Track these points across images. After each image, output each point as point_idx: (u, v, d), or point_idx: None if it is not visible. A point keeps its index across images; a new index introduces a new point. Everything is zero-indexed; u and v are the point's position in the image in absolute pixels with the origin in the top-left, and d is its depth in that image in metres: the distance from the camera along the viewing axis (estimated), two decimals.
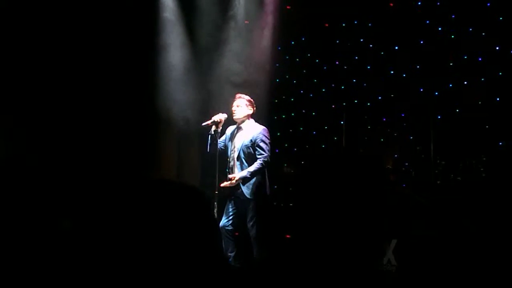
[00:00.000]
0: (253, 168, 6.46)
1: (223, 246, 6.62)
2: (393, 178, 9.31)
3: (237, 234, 6.69)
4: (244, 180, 6.45)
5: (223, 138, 6.74)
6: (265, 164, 6.47)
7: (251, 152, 6.51)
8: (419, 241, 7.15)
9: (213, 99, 8.66)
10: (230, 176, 6.50)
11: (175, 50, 9.22)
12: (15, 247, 2.58)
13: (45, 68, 8.23)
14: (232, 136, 6.70)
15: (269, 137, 6.58)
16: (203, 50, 9.34)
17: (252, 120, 6.71)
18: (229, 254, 6.59)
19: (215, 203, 6.43)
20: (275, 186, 9.86)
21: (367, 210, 8.47)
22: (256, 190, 6.51)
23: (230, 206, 6.62)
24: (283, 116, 10.52)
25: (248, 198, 6.50)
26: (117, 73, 8.75)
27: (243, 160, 6.54)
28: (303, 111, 10.49)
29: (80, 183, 8.20)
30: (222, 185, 6.47)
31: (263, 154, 6.47)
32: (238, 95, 6.73)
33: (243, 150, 6.56)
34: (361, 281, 7.10)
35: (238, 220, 6.58)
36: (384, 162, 9.60)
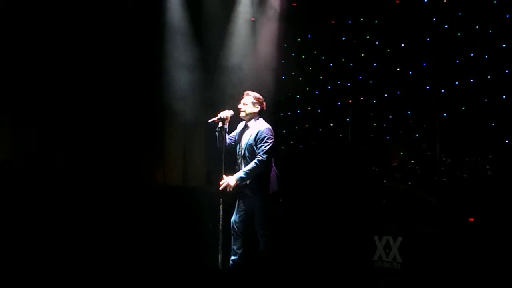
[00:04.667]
0: (247, 168, 6.45)
1: (232, 242, 6.64)
2: (399, 175, 9.29)
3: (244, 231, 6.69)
4: (242, 180, 6.44)
5: (233, 133, 6.72)
6: (259, 163, 6.41)
7: (255, 151, 6.50)
8: (424, 239, 7.14)
9: (220, 96, 8.67)
10: (221, 182, 6.48)
11: (181, 47, 9.24)
12: (17, 245, 2.60)
13: (52, 65, 8.28)
14: (240, 134, 6.69)
15: (271, 137, 6.52)
16: (209, 47, 9.35)
17: (260, 119, 6.65)
18: (237, 251, 6.60)
19: (221, 199, 6.45)
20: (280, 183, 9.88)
21: (372, 207, 8.48)
22: (262, 187, 6.51)
23: (240, 203, 6.63)
24: (289, 113, 10.52)
25: (254, 195, 6.50)
26: (124, 71, 8.79)
27: (248, 158, 6.53)
28: (309, 108, 10.49)
29: (85, 179, 8.26)
30: (220, 188, 6.47)
31: (259, 153, 6.46)
32: (245, 92, 6.70)
33: (247, 149, 6.55)
34: (367, 279, 7.11)
35: (247, 217, 6.59)
36: (390, 159, 9.60)
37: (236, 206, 6.65)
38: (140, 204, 8.45)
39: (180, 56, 9.24)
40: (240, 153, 6.62)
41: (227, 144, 6.57)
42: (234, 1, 9.41)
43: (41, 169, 7.42)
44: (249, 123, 6.63)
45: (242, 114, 6.61)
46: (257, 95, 6.66)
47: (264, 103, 6.70)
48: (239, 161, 6.62)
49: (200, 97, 9.15)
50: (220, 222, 6.45)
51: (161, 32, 9.21)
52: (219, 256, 6.42)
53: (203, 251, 7.14)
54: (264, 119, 6.68)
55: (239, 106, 6.61)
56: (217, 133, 6.52)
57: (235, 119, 6.69)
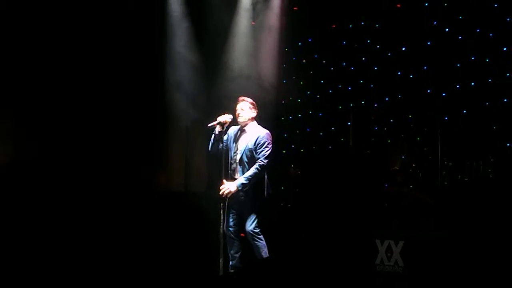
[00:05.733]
0: (248, 173, 6.46)
1: (228, 247, 6.64)
2: (400, 179, 9.29)
3: (242, 235, 6.70)
4: (244, 186, 6.45)
5: (224, 137, 6.73)
6: (260, 169, 6.44)
7: (254, 156, 6.52)
8: (426, 243, 7.14)
9: (220, 100, 8.67)
10: (223, 190, 6.47)
11: (182, 51, 9.26)
12: (17, 247, 2.60)
13: (52, 67, 8.29)
14: (235, 138, 6.70)
15: (271, 141, 6.57)
16: (210, 51, 9.37)
17: (255, 123, 6.71)
18: (234, 255, 6.62)
19: (222, 204, 6.45)
20: (282, 187, 9.88)
21: (372, 211, 8.47)
22: (254, 191, 6.52)
23: (232, 207, 6.63)
24: (290, 117, 10.53)
25: (246, 199, 6.52)
26: (126, 74, 8.79)
27: (245, 163, 6.55)
28: (310, 112, 10.49)
29: (87, 183, 8.26)
30: (220, 193, 6.47)
31: (260, 158, 6.48)
32: (241, 98, 6.74)
33: (246, 154, 6.56)
34: (368, 283, 7.10)
35: (241, 221, 6.60)
36: (391, 163, 9.59)
37: (228, 211, 6.65)
38: (143, 209, 8.45)
39: (182, 60, 9.25)
40: (235, 157, 6.63)
41: (219, 148, 6.59)
42: (235, 5, 9.42)
43: (42, 172, 7.43)
44: (245, 128, 6.66)
45: (240, 119, 6.63)
46: (252, 100, 6.72)
47: (257, 108, 6.77)
48: (234, 165, 6.63)
49: (201, 101, 9.16)
50: (221, 227, 6.45)
51: (163, 36, 9.23)
52: (220, 261, 6.42)
53: (204, 256, 7.15)
54: (258, 123, 6.72)
55: (237, 112, 6.64)
56: (214, 137, 6.55)
57: (232, 123, 6.71)
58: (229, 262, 6.62)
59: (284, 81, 9.96)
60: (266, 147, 6.49)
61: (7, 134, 8.18)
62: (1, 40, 7.99)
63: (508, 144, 8.60)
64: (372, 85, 10.02)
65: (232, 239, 6.61)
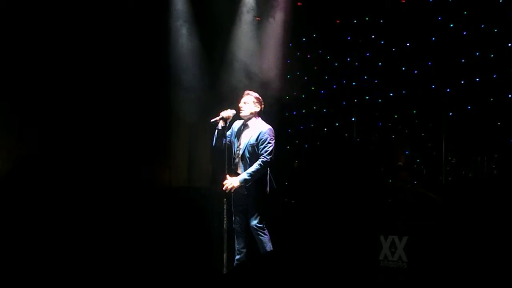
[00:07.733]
0: (251, 169, 6.46)
1: (235, 242, 6.65)
2: (405, 175, 9.28)
3: (245, 229, 6.70)
4: (246, 181, 6.46)
5: (228, 132, 6.73)
6: (263, 165, 6.45)
7: (256, 152, 6.51)
8: (430, 238, 7.13)
9: (223, 95, 8.67)
10: (226, 185, 6.48)
11: (186, 45, 9.25)
12: (18, 247, 2.58)
13: (54, 65, 8.28)
14: (239, 133, 6.69)
15: (273, 137, 6.56)
16: (214, 46, 9.36)
17: (259, 119, 6.68)
18: (241, 250, 6.62)
19: (225, 199, 6.45)
20: (286, 183, 9.87)
21: (376, 207, 8.46)
22: (257, 186, 6.53)
23: (236, 203, 6.64)
24: (294, 113, 10.51)
25: (249, 194, 6.52)
26: (129, 70, 8.78)
27: (247, 159, 6.54)
28: (314, 107, 10.47)
29: (90, 180, 8.23)
30: (223, 188, 6.48)
31: (263, 155, 6.47)
32: (246, 92, 6.73)
33: (248, 149, 6.55)
34: (372, 278, 7.10)
35: (246, 215, 6.61)
36: (396, 159, 9.58)
37: (233, 206, 6.67)
38: (146, 205, 8.44)
39: (185, 56, 9.25)
40: (238, 152, 6.63)
41: (223, 143, 6.59)
42: (239, 0, 9.41)
43: (44, 170, 7.40)
44: (248, 123, 6.65)
45: (243, 113, 6.62)
46: (257, 95, 6.70)
47: (263, 104, 6.74)
48: (237, 160, 6.64)
49: (205, 97, 9.15)
50: (225, 222, 6.45)
51: (165, 32, 9.22)
52: (224, 256, 6.43)
53: (208, 251, 7.14)
54: (262, 118, 6.70)
55: (240, 105, 6.63)
56: (217, 131, 6.54)
57: (236, 118, 6.70)
58: (234, 256, 6.63)
59: (288, 77, 9.94)
60: (268, 143, 6.48)
61: (10, 128, 8.19)
62: (13, 33, 8.00)
63: None
64: (376, 81, 9.99)
65: (239, 233, 6.63)
